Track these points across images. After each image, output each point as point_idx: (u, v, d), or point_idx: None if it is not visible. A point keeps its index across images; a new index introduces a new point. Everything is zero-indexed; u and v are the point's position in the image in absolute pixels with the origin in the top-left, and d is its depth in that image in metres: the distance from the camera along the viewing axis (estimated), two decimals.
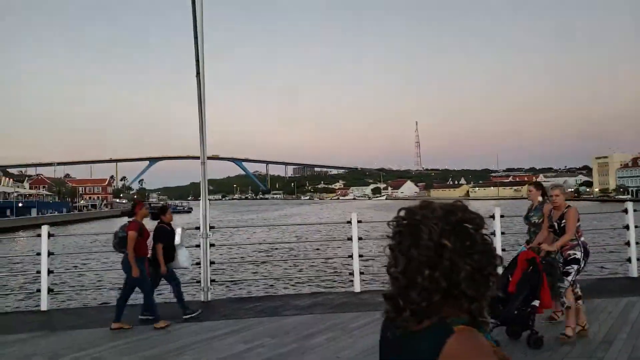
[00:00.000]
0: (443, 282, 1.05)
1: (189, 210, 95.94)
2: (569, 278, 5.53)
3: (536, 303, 5.22)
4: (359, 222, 8.95)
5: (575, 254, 5.62)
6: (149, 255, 7.03)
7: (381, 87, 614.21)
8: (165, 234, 7.19)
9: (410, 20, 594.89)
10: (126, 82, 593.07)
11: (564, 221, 5.64)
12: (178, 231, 7.44)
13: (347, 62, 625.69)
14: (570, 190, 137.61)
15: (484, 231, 1.12)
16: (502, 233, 8.99)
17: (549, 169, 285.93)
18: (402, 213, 1.18)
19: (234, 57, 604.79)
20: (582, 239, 5.72)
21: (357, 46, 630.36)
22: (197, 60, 8.80)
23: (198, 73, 8.86)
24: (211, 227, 8.57)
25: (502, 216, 8.99)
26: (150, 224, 7.19)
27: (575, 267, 5.57)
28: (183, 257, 7.33)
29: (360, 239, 8.90)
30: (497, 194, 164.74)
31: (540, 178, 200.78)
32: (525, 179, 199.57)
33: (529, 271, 5.35)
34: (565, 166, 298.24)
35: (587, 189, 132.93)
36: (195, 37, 8.75)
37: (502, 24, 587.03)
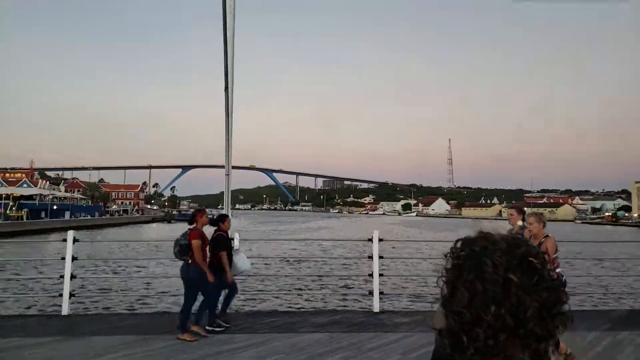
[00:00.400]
0: (509, 320, 0.98)
1: None
2: None
3: None
4: (380, 240, 8.86)
5: None
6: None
7: (415, 103, 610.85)
8: (227, 242, 7.35)
9: (446, 38, 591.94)
10: (163, 92, 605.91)
11: None
12: (236, 236, 7.66)
13: (380, 77, 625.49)
14: (607, 213, 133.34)
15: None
16: None
17: (586, 192, 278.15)
18: (459, 244, 1.11)
19: (269, 69, 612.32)
20: (558, 270, 5.53)
21: (392, 61, 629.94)
22: (226, 75, 8.94)
23: (227, 87, 9.00)
24: (231, 239, 8.61)
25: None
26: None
27: None
28: (242, 261, 7.47)
29: (381, 257, 8.81)
30: None
31: (577, 200, 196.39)
32: (561, 200, 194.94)
33: None
34: (604, 189, 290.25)
35: (626, 214, 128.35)
36: (225, 52, 8.89)
37: (538, 44, 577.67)
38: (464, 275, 1.04)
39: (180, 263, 6.94)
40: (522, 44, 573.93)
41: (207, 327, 7.07)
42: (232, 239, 7.69)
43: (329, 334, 6.96)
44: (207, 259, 7.11)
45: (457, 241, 1.12)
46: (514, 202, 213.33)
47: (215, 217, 7.69)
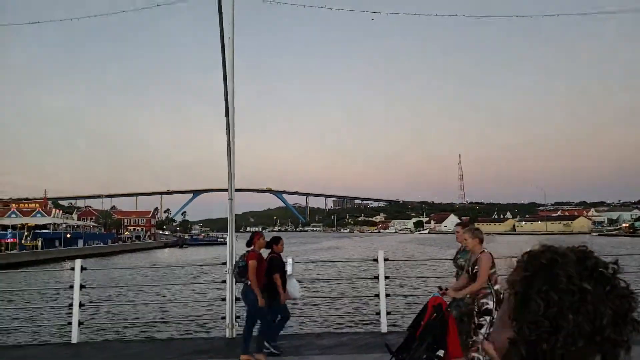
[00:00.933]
0: (587, 327, 1.03)
1: None
2: (482, 331, 5.20)
3: (441, 353, 4.89)
4: (385, 260, 8.87)
5: (487, 303, 5.30)
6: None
7: (425, 119, 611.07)
8: (281, 264, 7.44)
9: (454, 50, 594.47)
10: (169, 117, 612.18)
11: (476, 267, 5.39)
12: (289, 261, 7.65)
13: (389, 94, 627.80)
14: (625, 224, 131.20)
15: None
16: None
17: (602, 203, 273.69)
18: (526, 257, 1.15)
19: (275, 88, 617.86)
20: (497, 286, 5.37)
21: (400, 78, 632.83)
22: (226, 101, 9.14)
23: (227, 113, 9.19)
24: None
25: None
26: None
27: (488, 318, 5.23)
28: (293, 287, 7.51)
29: (387, 277, 8.81)
30: (545, 228, 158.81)
31: (592, 212, 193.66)
32: (575, 213, 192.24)
33: (433, 319, 5.08)
34: (619, 200, 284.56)
35: None
36: (225, 78, 9.11)
37: (549, 57, 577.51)
38: (535, 287, 1.08)
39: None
40: (532, 55, 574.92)
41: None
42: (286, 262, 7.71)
43: (334, 356, 6.96)
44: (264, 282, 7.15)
45: (523, 255, 1.17)
46: (527, 216, 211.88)
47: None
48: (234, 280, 7.15)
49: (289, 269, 7.53)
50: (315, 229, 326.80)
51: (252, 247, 7.16)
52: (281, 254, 7.66)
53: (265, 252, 7.47)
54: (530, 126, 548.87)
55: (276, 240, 7.64)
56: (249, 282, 6.87)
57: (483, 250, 5.50)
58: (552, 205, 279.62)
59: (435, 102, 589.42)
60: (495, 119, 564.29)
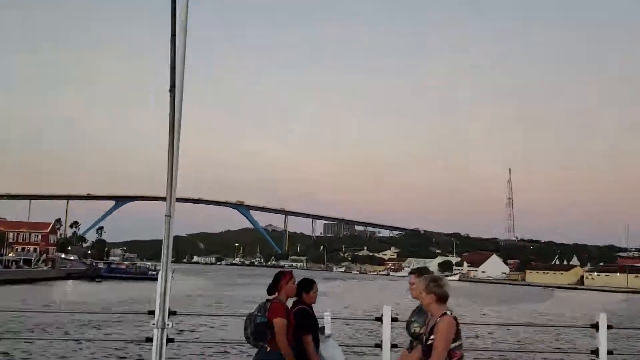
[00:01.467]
0: None
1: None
2: None
3: None
4: (394, 320, 8.75)
5: None
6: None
7: (460, 116, 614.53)
8: (313, 321, 7.12)
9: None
10: (91, 94, 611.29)
11: (432, 337, 5.31)
12: (327, 318, 7.45)
13: (413, 76, 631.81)
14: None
15: None
16: (610, 353, 8.53)
17: None
18: None
19: (262, 83, 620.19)
20: None
21: (430, 54, 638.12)
22: (173, 69, 8.96)
23: (172, 87, 9.00)
24: (172, 313, 8.46)
25: (610, 327, 8.67)
26: None
27: None
28: (333, 353, 7.24)
29: (394, 346, 8.68)
30: (626, 283, 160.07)
31: None
32: None
33: None
34: None
35: None
36: (173, 35, 8.95)
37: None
38: None
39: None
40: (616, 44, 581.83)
41: None
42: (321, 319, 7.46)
43: None
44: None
45: None
46: (601, 264, 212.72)
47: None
48: (251, 341, 6.79)
49: (327, 328, 7.32)
50: (295, 264, 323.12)
51: (275, 295, 6.82)
52: (312, 305, 7.32)
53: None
54: (610, 140, 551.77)
55: (307, 287, 7.26)
56: (268, 348, 6.56)
57: (444, 313, 5.36)
58: (637, 250, 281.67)
59: (473, 93, 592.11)
60: (563, 124, 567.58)
